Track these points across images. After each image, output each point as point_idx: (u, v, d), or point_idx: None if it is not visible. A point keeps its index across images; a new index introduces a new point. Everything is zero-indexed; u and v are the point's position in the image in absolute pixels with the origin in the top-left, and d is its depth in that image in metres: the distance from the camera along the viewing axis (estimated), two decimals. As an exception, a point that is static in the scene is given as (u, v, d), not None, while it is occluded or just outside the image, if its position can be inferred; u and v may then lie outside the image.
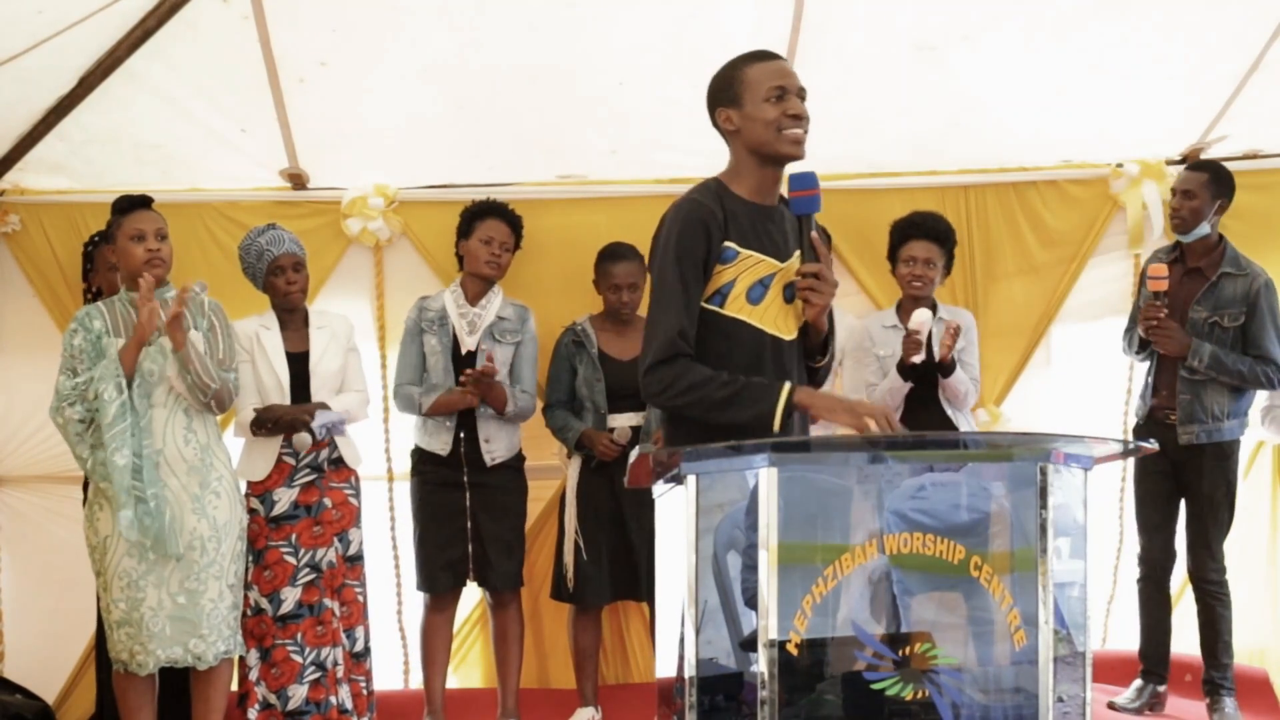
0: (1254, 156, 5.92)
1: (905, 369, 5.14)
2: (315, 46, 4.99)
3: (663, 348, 3.09)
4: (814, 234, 3.16)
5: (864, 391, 5.39)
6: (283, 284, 4.98)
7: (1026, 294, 5.93)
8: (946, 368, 5.12)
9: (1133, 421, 5.39)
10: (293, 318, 5.05)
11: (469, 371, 5.02)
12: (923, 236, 5.30)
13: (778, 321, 3.22)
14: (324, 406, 4.95)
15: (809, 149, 5.55)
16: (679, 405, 3.09)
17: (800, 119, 3.18)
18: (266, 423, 4.89)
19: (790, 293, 3.22)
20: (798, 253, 3.21)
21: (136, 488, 4.37)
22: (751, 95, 3.19)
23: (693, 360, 3.09)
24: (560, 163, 5.70)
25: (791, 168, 3.23)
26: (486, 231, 5.21)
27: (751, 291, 3.18)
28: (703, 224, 3.14)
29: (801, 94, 3.21)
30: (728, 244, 3.16)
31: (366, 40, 4.99)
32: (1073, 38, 5.19)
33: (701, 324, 3.16)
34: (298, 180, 5.67)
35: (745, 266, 3.17)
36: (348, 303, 5.56)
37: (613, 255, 5.27)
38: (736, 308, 3.16)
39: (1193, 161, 5.58)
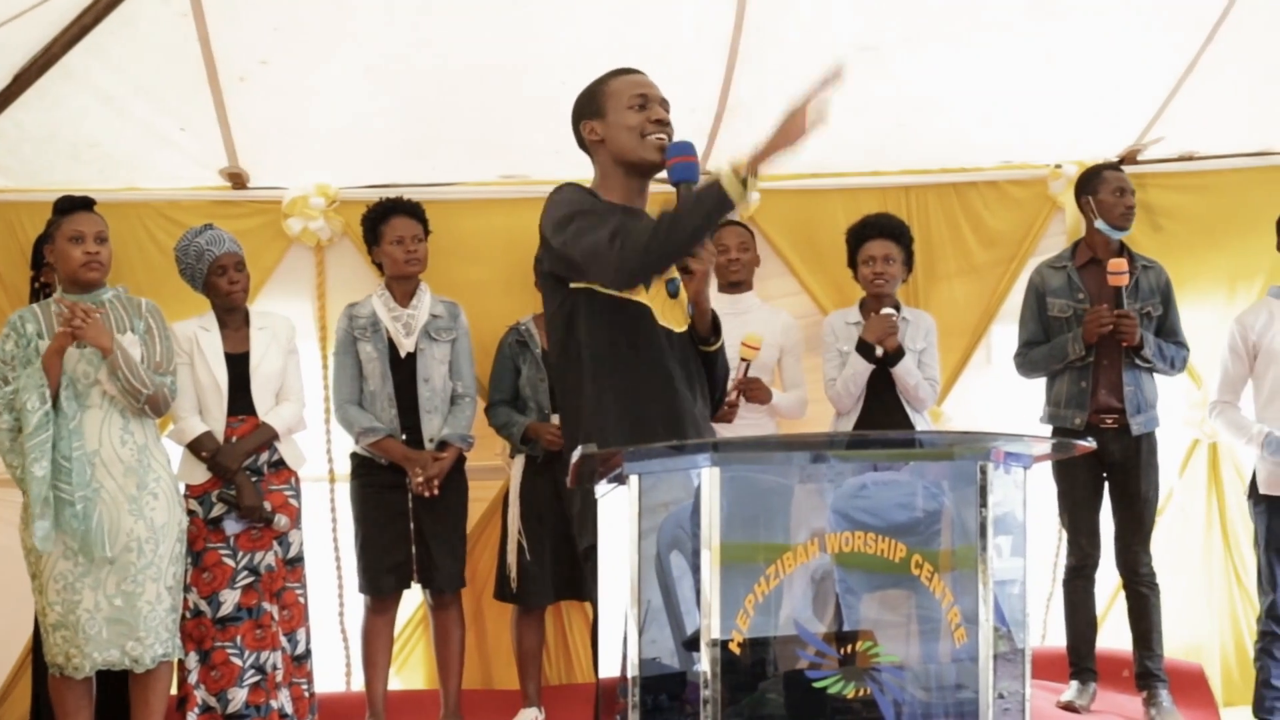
0: (1189, 158, 6.00)
1: (864, 348, 5.18)
2: (256, 44, 4.95)
3: (609, 233, 3.01)
4: None
5: (824, 387, 5.44)
6: (225, 284, 4.93)
7: (967, 294, 5.98)
8: (893, 356, 5.17)
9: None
10: (233, 318, 5.00)
11: (420, 482, 5.03)
12: (879, 235, 5.35)
13: (665, 315, 3.23)
14: (282, 507, 4.94)
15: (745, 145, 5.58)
16: (658, 264, 3.02)
17: (664, 124, 3.22)
18: (214, 466, 4.87)
19: (673, 288, 3.21)
20: None
21: (64, 490, 4.32)
22: (614, 104, 3.25)
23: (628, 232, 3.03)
24: (504, 163, 5.69)
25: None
26: (395, 232, 5.18)
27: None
28: (589, 195, 3.20)
29: (664, 105, 3.26)
30: None
31: (309, 38, 4.95)
32: (1012, 41, 5.24)
33: (608, 307, 3.14)
34: (238, 179, 5.63)
35: None
36: (289, 303, 5.52)
37: None
38: (635, 294, 3.17)
39: (1112, 162, 5.65)
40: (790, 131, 2.94)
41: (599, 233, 3.03)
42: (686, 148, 3.18)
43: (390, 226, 5.19)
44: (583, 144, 3.34)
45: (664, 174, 3.22)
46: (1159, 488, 5.32)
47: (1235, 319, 5.23)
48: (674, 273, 3.17)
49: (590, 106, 3.29)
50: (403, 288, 5.22)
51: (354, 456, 5.26)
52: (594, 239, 3.04)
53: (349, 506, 5.35)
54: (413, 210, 5.26)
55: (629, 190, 3.27)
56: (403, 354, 5.15)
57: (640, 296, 3.17)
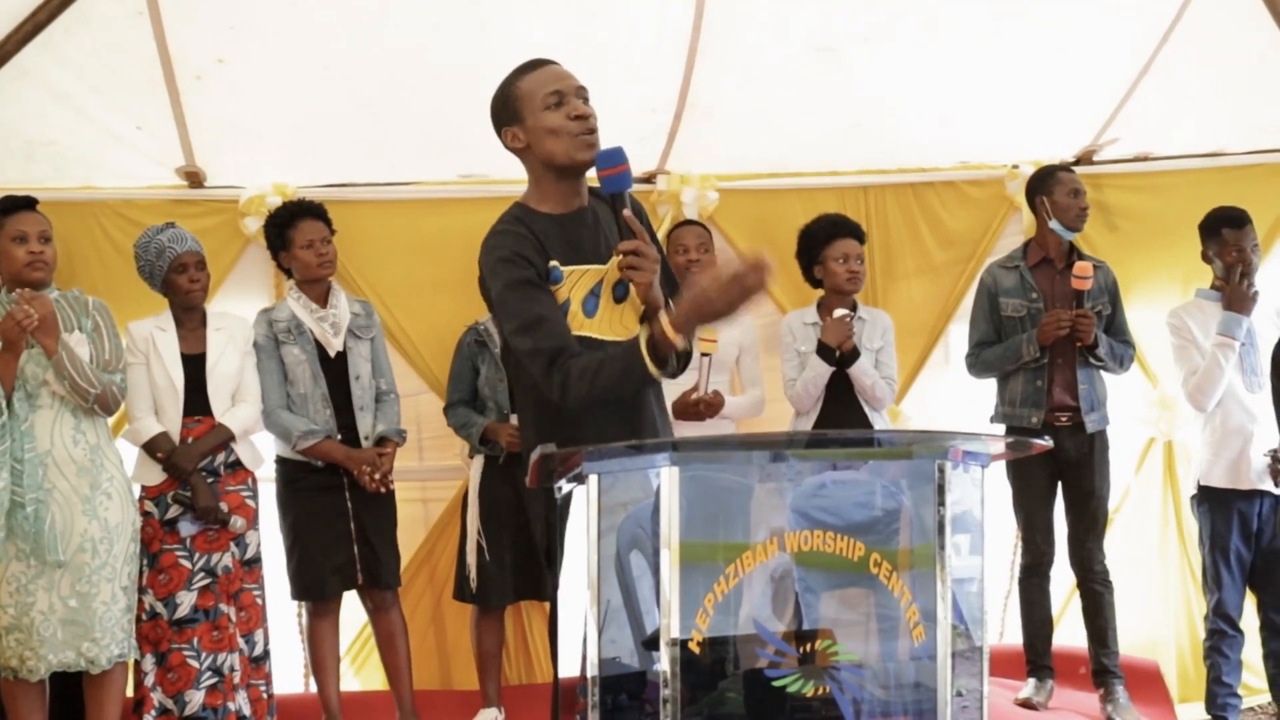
0: (1144, 159, 6.05)
1: (824, 351, 5.20)
2: (212, 43, 4.92)
3: (548, 352, 3.00)
4: (627, 211, 3.07)
5: (783, 387, 5.45)
6: (185, 282, 4.90)
7: (925, 294, 6.01)
8: (848, 357, 5.19)
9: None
10: (190, 318, 4.96)
11: (378, 479, 5.01)
12: (848, 235, 5.37)
13: (615, 326, 3.15)
14: (236, 514, 4.89)
15: (712, 148, 5.62)
16: (584, 401, 3.00)
17: (586, 119, 3.09)
18: (169, 466, 4.82)
19: (621, 290, 3.16)
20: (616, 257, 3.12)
21: (16, 493, 4.29)
22: (530, 107, 3.11)
23: (571, 356, 3.01)
24: (462, 162, 5.67)
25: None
26: (304, 236, 5.11)
27: (586, 305, 3.12)
28: (517, 246, 3.07)
29: (581, 94, 3.12)
30: (552, 264, 3.09)
31: (266, 37, 4.93)
32: (969, 41, 5.27)
33: None
34: (194, 178, 5.59)
35: (573, 282, 3.11)
36: (246, 302, 5.48)
37: None
38: (577, 325, 3.09)
39: (1065, 163, 5.70)
40: (719, 303, 2.93)
41: (538, 360, 3.01)
42: (616, 157, 3.06)
43: (299, 231, 5.12)
44: (509, 149, 3.23)
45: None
46: (1111, 485, 5.36)
47: (1170, 313, 5.30)
48: (619, 273, 3.12)
49: (506, 112, 3.16)
50: (316, 290, 5.16)
51: (282, 461, 5.17)
52: (534, 362, 3.02)
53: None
54: (319, 212, 5.19)
55: (563, 193, 3.17)
56: (332, 354, 5.11)
57: (586, 330, 3.10)
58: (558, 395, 3.01)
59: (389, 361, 5.33)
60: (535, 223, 3.13)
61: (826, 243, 5.37)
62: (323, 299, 5.15)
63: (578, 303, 3.12)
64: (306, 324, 5.09)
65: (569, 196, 3.19)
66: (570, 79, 3.13)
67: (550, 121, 3.09)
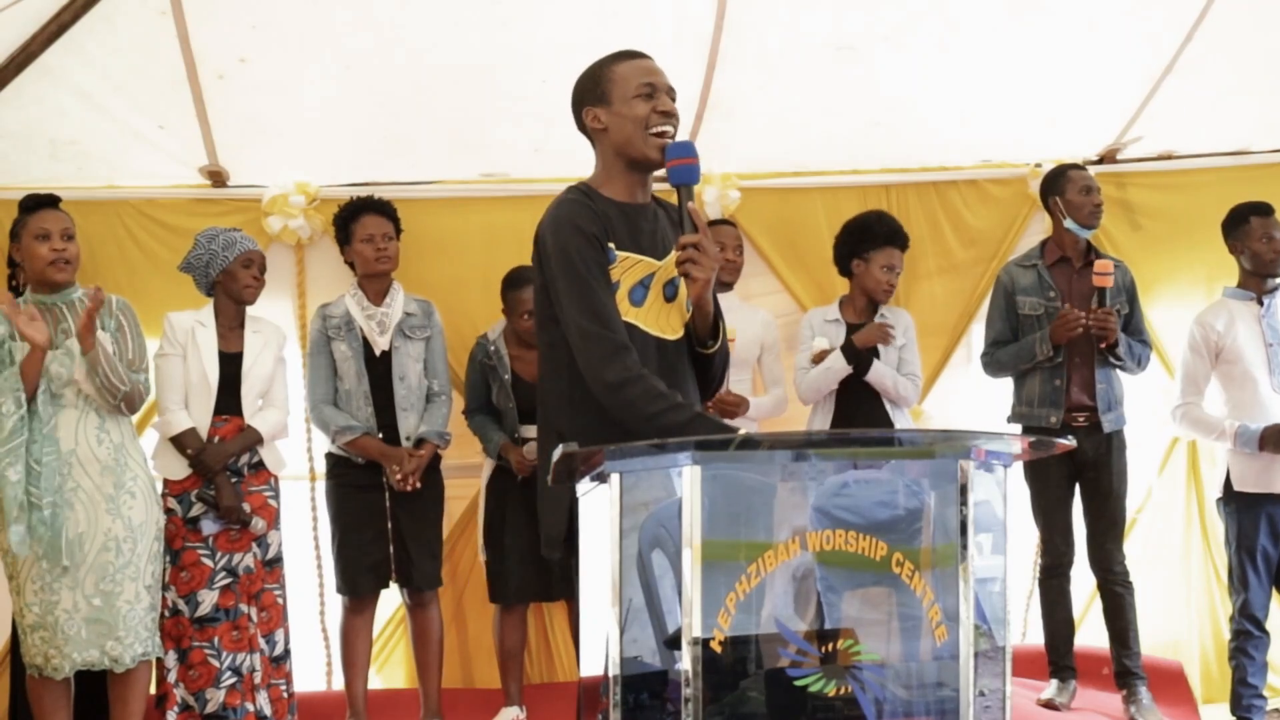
0: (1168, 157, 6.03)
1: (850, 351, 5.20)
2: (235, 42, 4.94)
3: (613, 342, 2.99)
4: (692, 204, 3.07)
5: (795, 375, 5.44)
6: (249, 277, 4.94)
7: (947, 292, 6.00)
8: (863, 364, 5.19)
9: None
10: (230, 318, 4.98)
11: (400, 478, 5.01)
12: (900, 245, 5.36)
13: (660, 322, 3.14)
14: (259, 514, 4.91)
15: (733, 147, 5.62)
16: (617, 404, 2.99)
17: (670, 116, 3.11)
18: (196, 464, 4.84)
19: (671, 290, 3.15)
20: (674, 252, 3.12)
21: (33, 494, 4.30)
22: (620, 92, 3.11)
23: (632, 354, 3.00)
24: (483, 161, 5.68)
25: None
26: (365, 230, 5.15)
27: (633, 293, 3.11)
28: (592, 222, 3.07)
29: (671, 93, 3.14)
30: (609, 245, 3.09)
31: (287, 36, 4.94)
32: (991, 39, 5.26)
33: None
34: (217, 177, 5.61)
35: (625, 268, 3.10)
36: (269, 302, 5.47)
37: (519, 281, 5.16)
38: (623, 310, 3.08)
39: (1076, 162, 5.67)
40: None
41: (600, 344, 2.99)
42: (687, 149, 3.09)
43: (360, 225, 5.16)
44: (583, 128, 3.23)
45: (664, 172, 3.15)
46: (1129, 485, 5.33)
47: (1195, 319, 5.25)
48: (673, 272, 3.12)
49: (594, 92, 3.15)
50: (375, 286, 5.19)
51: (329, 456, 5.24)
52: (594, 345, 2.99)
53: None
54: (383, 209, 5.23)
55: (630, 184, 3.17)
56: (378, 352, 5.13)
57: (630, 317, 3.09)
58: (609, 380, 2.98)
59: (446, 363, 5.33)
60: (599, 202, 3.14)
61: (881, 246, 5.33)
62: (379, 297, 5.17)
63: (626, 287, 3.10)
64: (357, 321, 5.11)
65: (635, 189, 3.19)
66: (664, 76, 3.15)
67: (637, 111, 3.10)
